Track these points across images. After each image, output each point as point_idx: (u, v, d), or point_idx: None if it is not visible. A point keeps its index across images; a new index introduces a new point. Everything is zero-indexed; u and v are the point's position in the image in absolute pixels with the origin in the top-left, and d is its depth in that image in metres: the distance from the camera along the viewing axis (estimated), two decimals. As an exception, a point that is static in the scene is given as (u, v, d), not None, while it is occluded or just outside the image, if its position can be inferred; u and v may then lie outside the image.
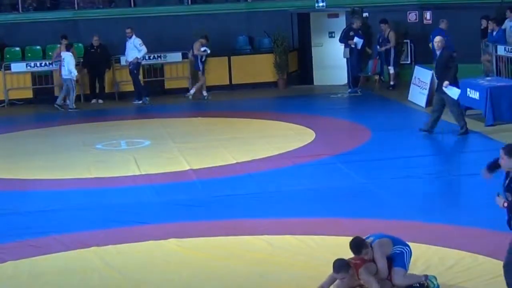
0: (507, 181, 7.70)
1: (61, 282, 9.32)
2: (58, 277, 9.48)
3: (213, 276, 9.26)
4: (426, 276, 8.56)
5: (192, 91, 22.43)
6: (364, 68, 22.79)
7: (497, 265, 9.04)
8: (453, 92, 15.74)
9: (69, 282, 9.31)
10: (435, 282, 8.50)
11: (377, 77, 22.59)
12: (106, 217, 11.65)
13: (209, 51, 22.25)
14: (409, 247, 8.57)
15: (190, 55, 22.62)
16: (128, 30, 22.07)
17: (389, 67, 22.31)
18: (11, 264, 9.87)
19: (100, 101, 22.45)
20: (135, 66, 21.97)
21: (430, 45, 22.48)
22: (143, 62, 22.60)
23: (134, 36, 21.93)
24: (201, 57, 22.22)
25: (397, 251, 8.47)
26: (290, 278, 9.02)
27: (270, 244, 10.13)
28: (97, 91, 22.76)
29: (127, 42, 22.04)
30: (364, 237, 8.56)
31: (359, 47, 22.12)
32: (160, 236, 10.57)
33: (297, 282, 8.92)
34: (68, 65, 21.22)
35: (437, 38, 16.21)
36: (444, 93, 15.78)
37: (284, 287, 8.89)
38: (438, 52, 16.22)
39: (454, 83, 15.81)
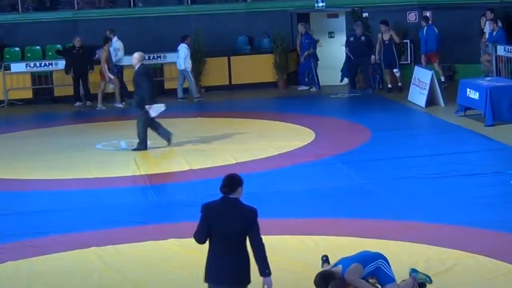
0: None
1: (60, 282, 9.32)
2: (57, 277, 9.48)
3: (213, 276, 9.23)
4: (413, 277, 8.35)
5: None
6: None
7: (497, 265, 9.05)
8: (154, 110, 15.66)
9: (69, 282, 9.31)
10: (422, 276, 8.36)
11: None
12: (106, 217, 11.64)
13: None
14: (380, 258, 8.22)
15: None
16: (109, 32, 21.75)
17: (395, 70, 22.14)
18: (11, 264, 9.87)
19: (88, 102, 21.98)
20: (120, 69, 21.79)
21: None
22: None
23: (116, 38, 21.79)
24: None
25: (372, 269, 8.13)
26: (290, 278, 9.01)
27: (270, 244, 10.11)
28: (82, 93, 22.05)
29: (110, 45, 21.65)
30: (335, 262, 8.39)
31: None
32: (159, 236, 10.57)
33: (297, 282, 8.92)
34: (180, 57, 21.78)
35: (135, 54, 15.90)
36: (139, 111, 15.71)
37: (284, 287, 8.88)
38: (136, 68, 15.83)
39: (151, 101, 15.58)
